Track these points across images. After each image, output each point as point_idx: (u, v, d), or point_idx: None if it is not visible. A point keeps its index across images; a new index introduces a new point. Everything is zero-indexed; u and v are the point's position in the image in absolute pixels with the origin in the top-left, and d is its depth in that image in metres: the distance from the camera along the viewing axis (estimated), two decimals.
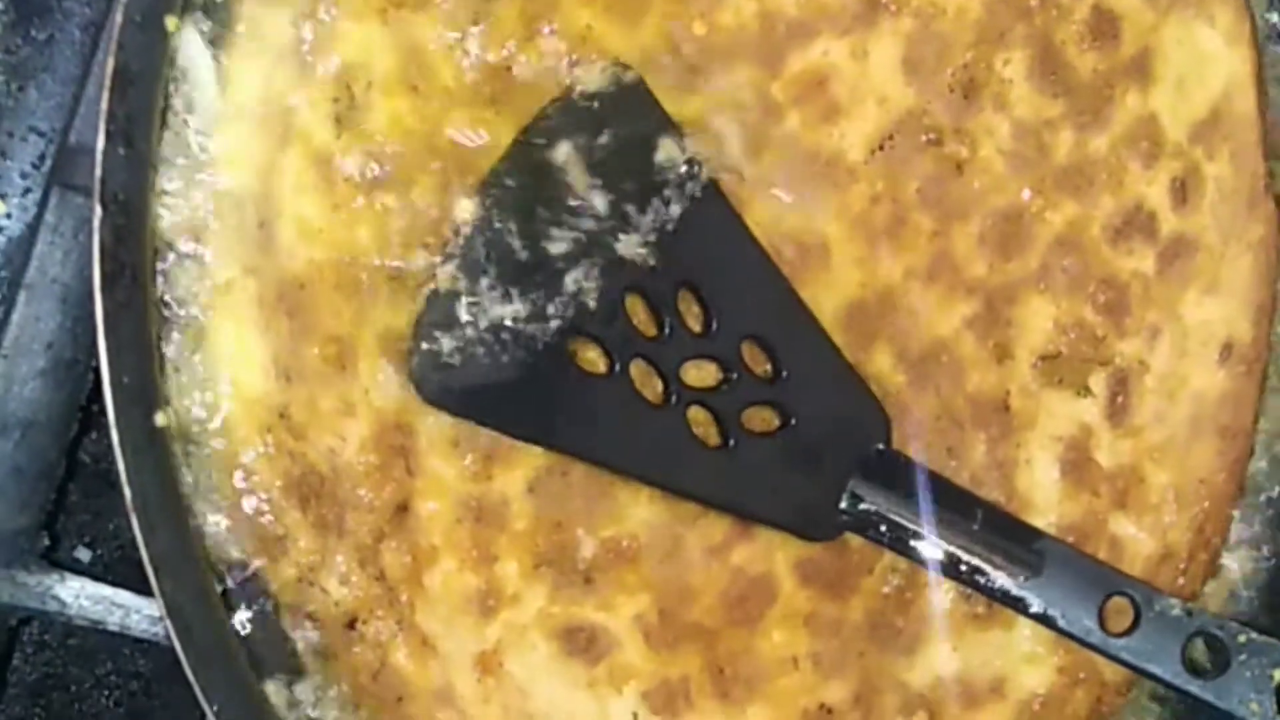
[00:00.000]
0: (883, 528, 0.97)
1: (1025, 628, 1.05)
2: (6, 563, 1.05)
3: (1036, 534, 0.98)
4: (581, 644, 0.99)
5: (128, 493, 0.85)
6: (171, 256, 0.91)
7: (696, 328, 0.94)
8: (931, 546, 0.97)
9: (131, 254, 0.88)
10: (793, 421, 0.96)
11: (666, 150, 0.94)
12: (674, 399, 0.94)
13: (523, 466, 0.95)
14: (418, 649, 0.96)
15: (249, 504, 0.93)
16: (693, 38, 0.95)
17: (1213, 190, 1.06)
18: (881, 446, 0.98)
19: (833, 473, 0.97)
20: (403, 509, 0.94)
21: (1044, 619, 0.97)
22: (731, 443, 0.95)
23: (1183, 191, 1.05)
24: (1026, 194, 1.02)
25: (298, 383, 0.92)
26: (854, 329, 0.99)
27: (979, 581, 0.97)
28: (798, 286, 0.97)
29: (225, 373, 0.92)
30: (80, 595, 1.07)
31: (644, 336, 0.94)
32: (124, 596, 1.06)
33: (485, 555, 0.96)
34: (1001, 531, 0.97)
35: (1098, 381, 1.04)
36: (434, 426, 0.94)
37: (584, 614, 0.99)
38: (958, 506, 0.97)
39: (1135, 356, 1.05)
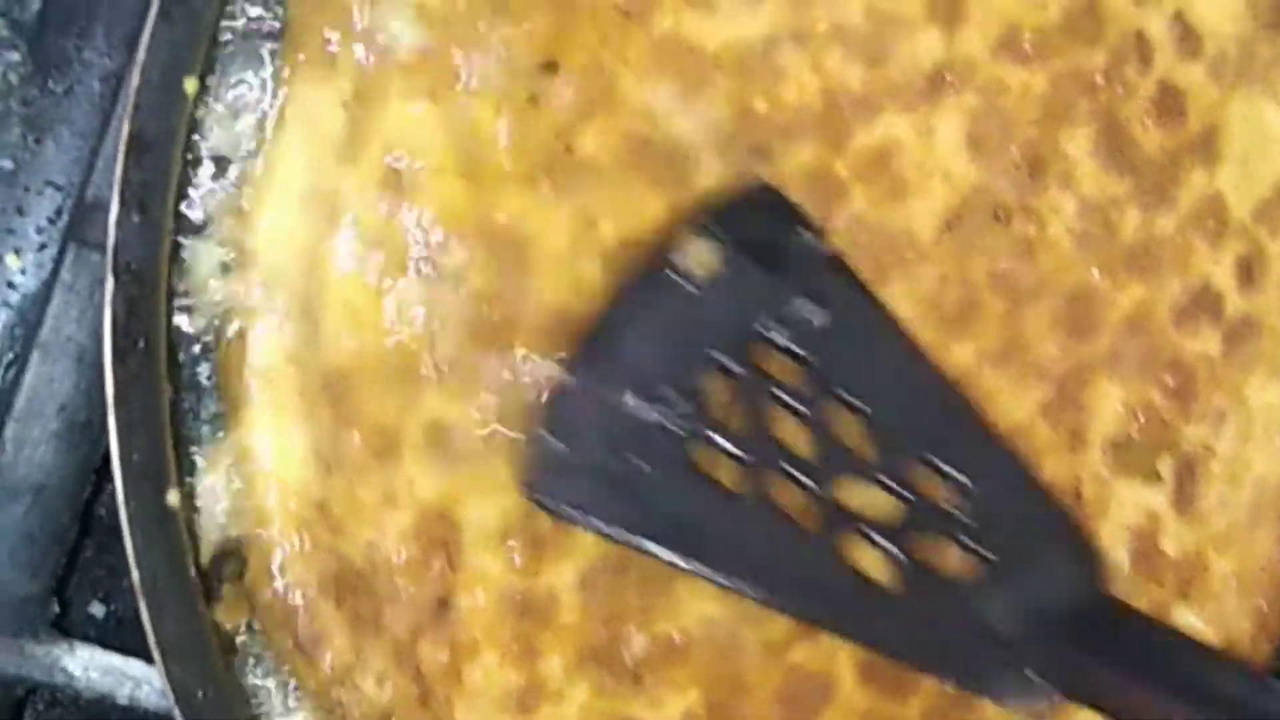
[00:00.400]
0: (1095, 688, 0.88)
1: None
2: (15, 632, 1.03)
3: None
4: None
5: (136, 575, 0.83)
6: (205, 343, 0.85)
7: (853, 443, 0.89)
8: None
9: (144, 325, 0.87)
10: (981, 557, 0.89)
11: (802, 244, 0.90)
12: (827, 525, 0.89)
13: (574, 559, 0.93)
14: None
15: (282, 602, 0.89)
16: (755, 115, 0.90)
17: (1278, 270, 1.03)
18: (1091, 593, 0.90)
19: (1031, 626, 0.89)
20: (443, 604, 0.92)
21: None
22: (903, 579, 0.89)
23: (1248, 271, 1.03)
24: (1095, 274, 1.00)
25: (338, 474, 0.89)
26: None
27: None
28: None
29: (263, 465, 0.88)
30: (89, 667, 1.05)
31: (790, 451, 0.89)
32: (135, 667, 1.04)
33: (528, 650, 0.94)
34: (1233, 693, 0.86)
35: (1165, 467, 1.03)
36: (480, 519, 0.92)
37: (630, 710, 0.97)
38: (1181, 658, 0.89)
39: (1201, 442, 1.03)
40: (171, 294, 0.89)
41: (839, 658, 0.99)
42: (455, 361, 0.90)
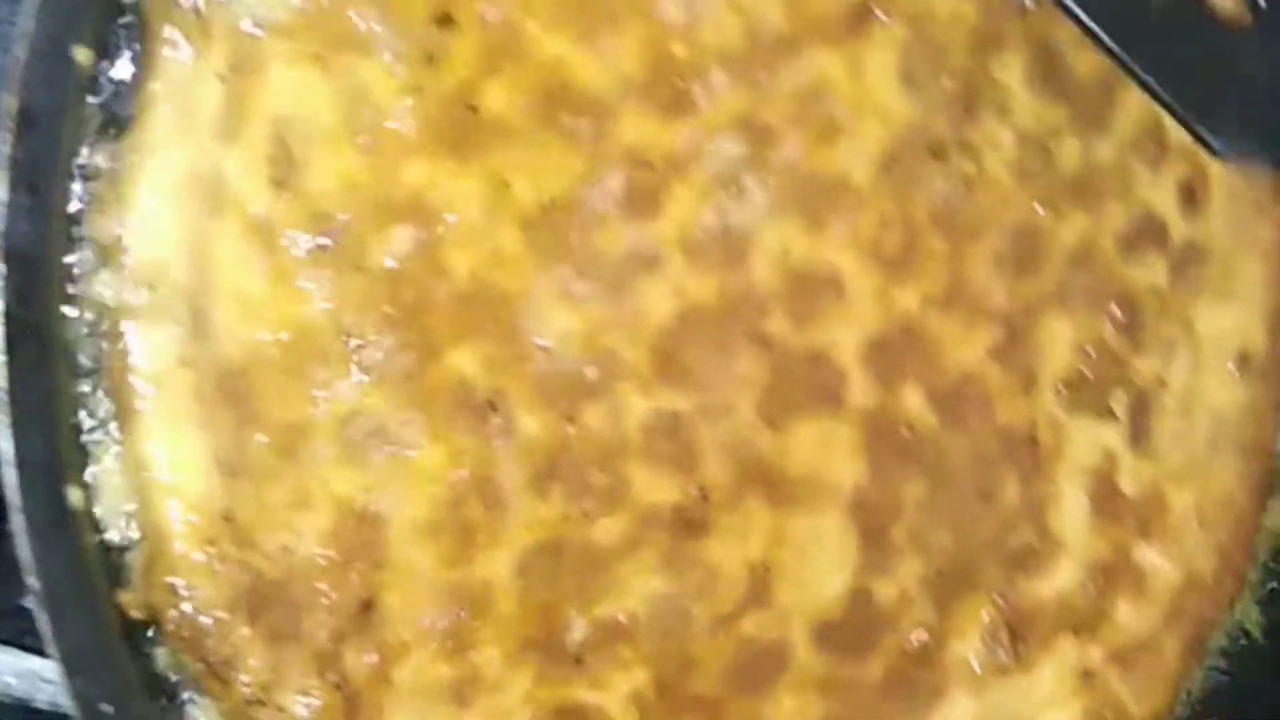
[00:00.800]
0: None
1: (1047, 668, 1.01)
2: None
3: None
4: None
5: (34, 583, 0.79)
6: (91, 353, 0.79)
7: None
8: None
9: (36, 315, 0.81)
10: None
11: None
12: None
13: (509, 547, 0.90)
14: None
15: (190, 625, 0.85)
16: (674, 62, 0.85)
17: (1220, 193, 1.03)
18: None
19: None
20: (367, 606, 0.87)
21: None
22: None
23: (1190, 195, 1.01)
24: (1037, 208, 0.97)
25: (243, 479, 0.84)
26: (879, 366, 0.95)
27: None
28: (813, 326, 0.93)
29: (160, 477, 0.83)
30: (4, 670, 1.01)
31: None
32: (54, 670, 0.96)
33: (462, 644, 0.90)
34: None
35: (1119, 403, 1.01)
36: (405, 512, 0.87)
37: (574, 694, 0.94)
38: None
39: (1153, 374, 1.02)
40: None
41: (792, 624, 0.97)
42: (366, 348, 0.84)
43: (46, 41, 0.77)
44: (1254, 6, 0.91)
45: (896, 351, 0.95)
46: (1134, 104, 0.99)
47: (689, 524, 0.92)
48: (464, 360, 0.86)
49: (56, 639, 0.80)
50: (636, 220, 0.89)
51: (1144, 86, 0.90)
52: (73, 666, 0.81)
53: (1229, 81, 0.92)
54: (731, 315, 0.91)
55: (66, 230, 0.82)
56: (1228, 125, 0.93)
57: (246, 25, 0.81)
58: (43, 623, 0.80)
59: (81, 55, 0.80)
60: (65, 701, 0.89)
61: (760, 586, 0.95)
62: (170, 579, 0.84)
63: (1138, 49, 0.90)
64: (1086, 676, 1.02)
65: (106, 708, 0.83)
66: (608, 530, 0.91)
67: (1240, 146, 0.94)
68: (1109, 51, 0.90)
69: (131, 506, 0.85)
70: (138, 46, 0.81)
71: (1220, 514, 1.05)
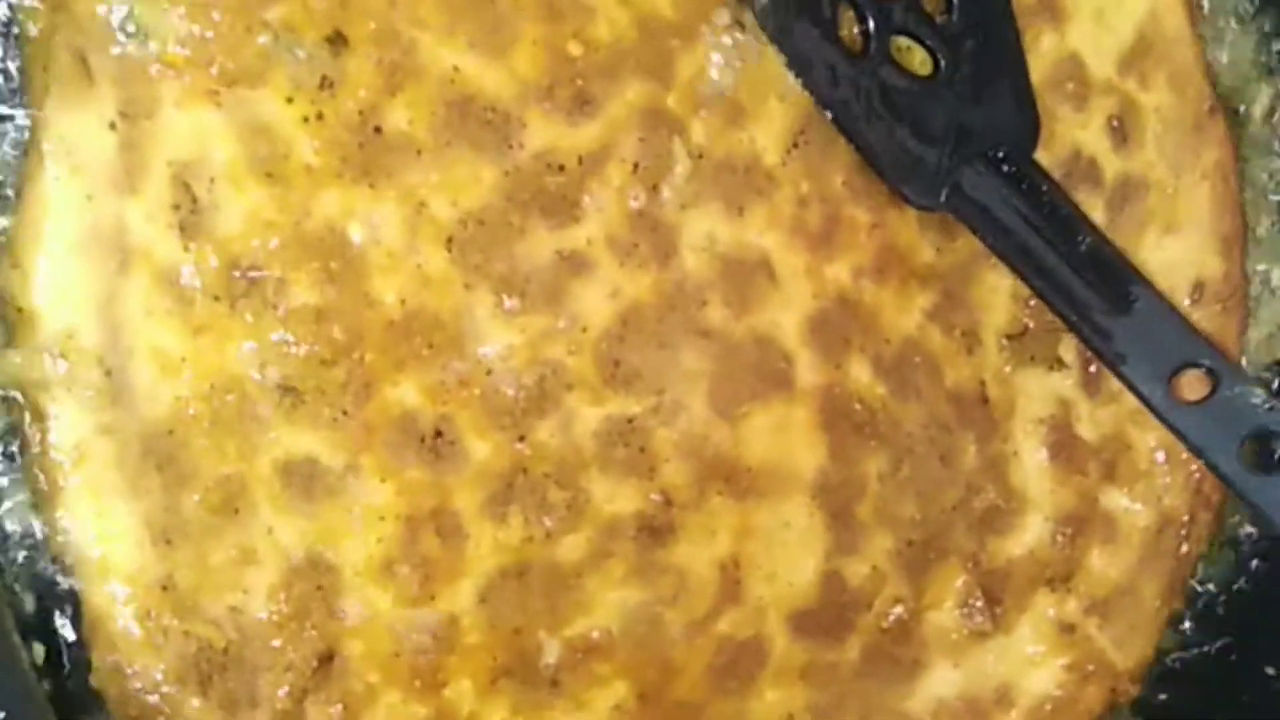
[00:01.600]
0: (984, 221, 0.94)
1: (1026, 627, 1.01)
2: None
3: (1137, 276, 0.95)
4: None
5: None
6: None
7: None
8: (1030, 254, 0.94)
9: None
10: (940, 73, 0.93)
11: None
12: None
13: (471, 576, 0.90)
14: None
15: (137, 704, 0.84)
16: (571, 61, 0.84)
17: (1154, 121, 1.04)
18: (1013, 150, 0.94)
19: (957, 145, 0.93)
20: (327, 658, 0.87)
21: (1116, 361, 0.94)
22: (872, 59, 0.92)
23: (1121, 129, 1.02)
24: None
25: (180, 544, 0.84)
26: (823, 344, 0.95)
27: (1065, 303, 0.94)
28: (752, 311, 0.93)
29: (90, 554, 0.80)
30: None
31: None
32: None
33: (432, 682, 0.90)
34: (1103, 260, 0.94)
35: (1067, 350, 1.02)
36: (357, 553, 0.85)
37: (553, 718, 0.93)
38: (1067, 227, 0.94)
39: None
40: None
41: (767, 617, 0.98)
42: (298, 391, 0.82)
43: None
44: (935, 61, 0.94)
45: (837, 326, 0.96)
46: (1048, 45, 1.00)
47: (654, 530, 0.92)
48: (404, 391, 0.86)
49: None
50: (558, 225, 0.89)
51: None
52: None
53: (918, 136, 0.94)
54: (670, 311, 0.91)
55: None
56: (919, 180, 0.94)
57: (132, 64, 0.78)
58: None
59: None
60: None
61: (732, 584, 0.95)
62: (112, 658, 0.81)
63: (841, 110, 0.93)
64: (1066, 630, 1.04)
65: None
66: (572, 547, 0.91)
67: (929, 200, 0.95)
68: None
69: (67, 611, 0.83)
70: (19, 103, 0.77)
71: None
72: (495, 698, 0.92)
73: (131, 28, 0.79)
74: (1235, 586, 1.09)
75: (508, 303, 0.87)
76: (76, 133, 0.79)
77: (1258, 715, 1.02)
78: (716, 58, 0.92)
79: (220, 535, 0.84)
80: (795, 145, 0.95)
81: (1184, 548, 1.07)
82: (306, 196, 0.83)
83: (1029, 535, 1.03)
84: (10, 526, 0.82)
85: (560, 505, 0.90)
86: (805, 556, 0.97)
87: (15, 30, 0.78)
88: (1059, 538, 1.03)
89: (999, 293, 1.01)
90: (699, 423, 0.93)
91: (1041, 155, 1.00)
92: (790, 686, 0.99)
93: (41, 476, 0.81)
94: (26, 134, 0.79)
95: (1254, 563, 1.09)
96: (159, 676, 0.83)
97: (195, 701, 0.84)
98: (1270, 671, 1.02)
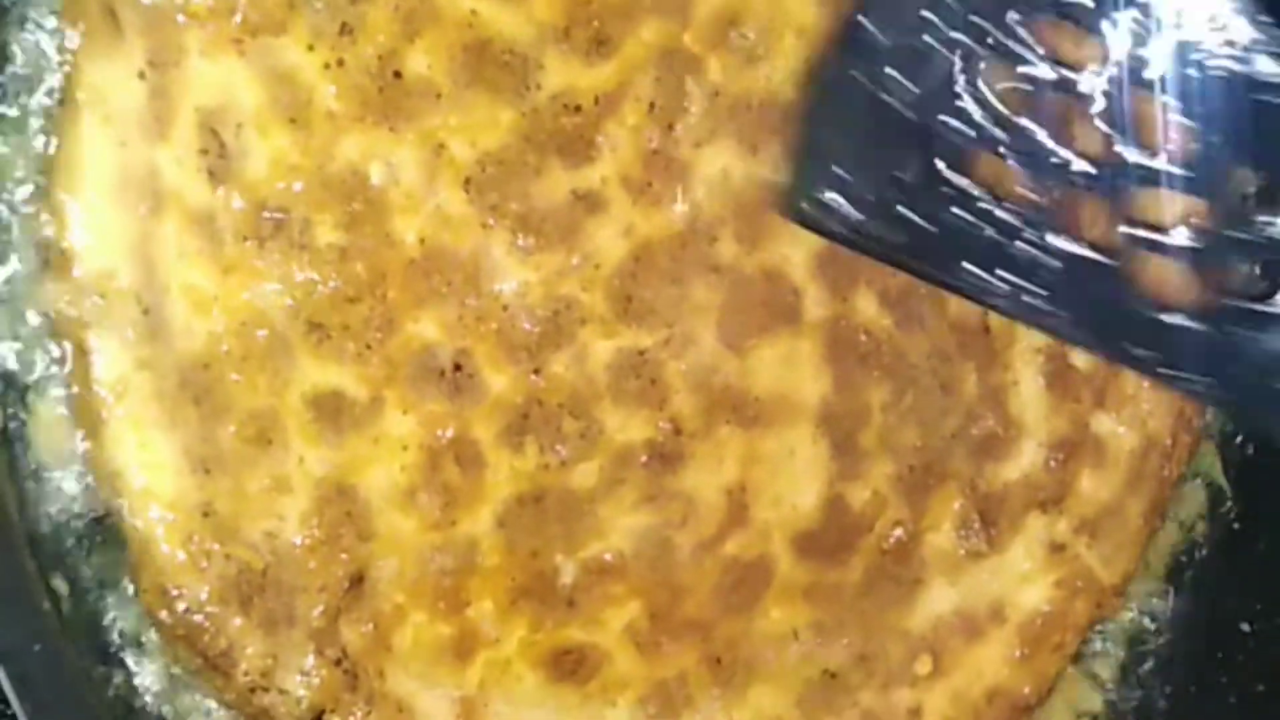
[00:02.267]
0: None
1: (1019, 547, 1.07)
2: None
3: None
4: (569, 666, 1.00)
5: None
6: (47, 364, 0.81)
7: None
8: None
9: None
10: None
11: None
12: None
13: (489, 502, 0.95)
14: (394, 717, 0.95)
15: (184, 624, 0.89)
16: (588, 2, 0.89)
17: None
18: None
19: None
20: (358, 579, 0.92)
21: None
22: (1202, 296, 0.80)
23: None
24: None
25: (218, 473, 0.88)
26: (832, 276, 0.99)
27: None
28: (762, 247, 0.97)
29: (134, 484, 0.85)
30: None
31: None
32: None
33: (456, 602, 0.95)
34: None
35: None
36: (382, 481, 0.92)
37: (570, 635, 1.00)
38: None
39: None
40: None
41: (772, 539, 1.02)
42: (324, 327, 0.86)
43: None
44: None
45: (845, 260, 0.99)
46: None
47: (664, 457, 0.97)
48: (425, 327, 0.90)
49: None
50: (574, 165, 0.92)
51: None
52: None
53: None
54: (682, 246, 0.95)
55: None
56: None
57: (158, 15, 0.81)
58: None
59: None
60: None
61: (738, 508, 1.00)
62: (159, 581, 0.87)
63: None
64: (1056, 549, 1.09)
65: (25, 652, 0.85)
66: (585, 474, 0.95)
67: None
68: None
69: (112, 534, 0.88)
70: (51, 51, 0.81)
71: None
72: (515, 617, 0.97)
73: None
74: None
75: (524, 241, 0.91)
76: (107, 83, 0.82)
77: None
78: None
79: (255, 465, 0.89)
80: (811, 81, 0.97)
81: (1166, 470, 1.12)
82: (329, 141, 0.87)
83: (1024, 460, 1.08)
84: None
85: (574, 435, 0.95)
86: (809, 482, 1.02)
87: None
88: (1052, 462, 1.08)
89: None
90: (708, 355, 0.97)
91: None
92: (794, 605, 1.04)
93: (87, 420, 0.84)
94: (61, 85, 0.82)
95: None
96: (203, 597, 0.88)
97: (237, 620, 0.89)
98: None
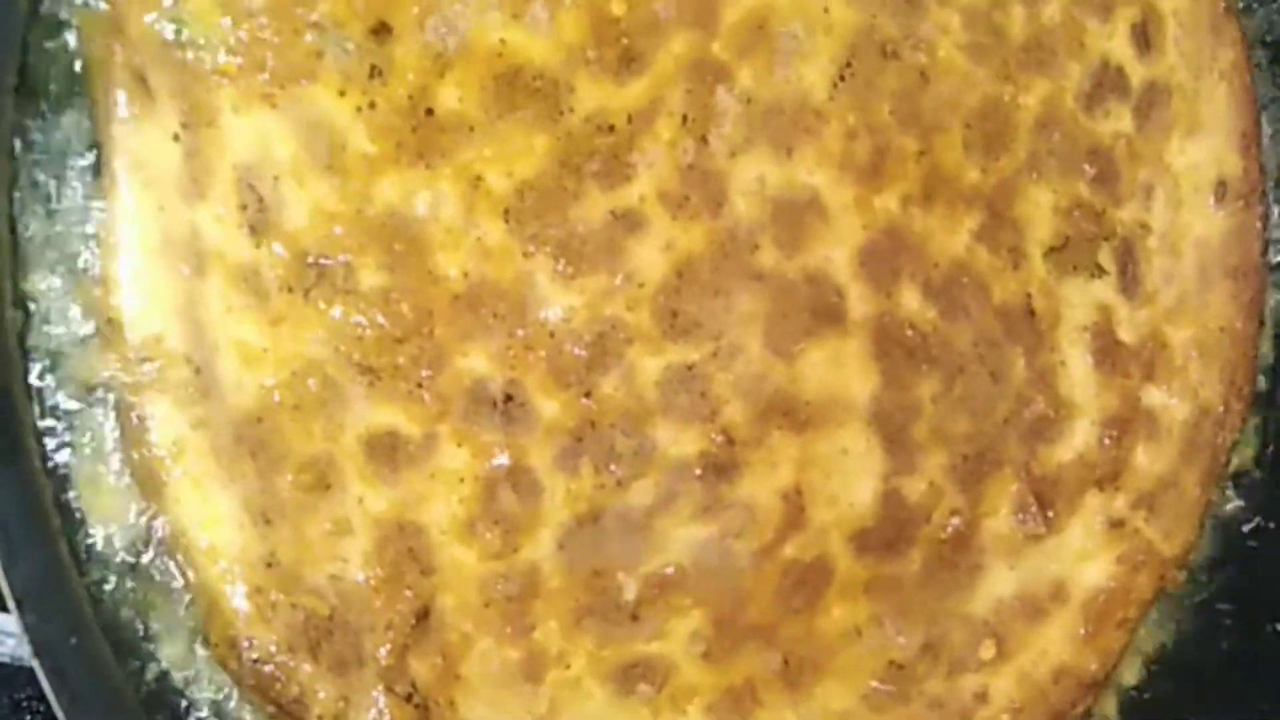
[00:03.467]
0: None
1: (1077, 526, 1.09)
2: None
3: None
4: (637, 678, 1.03)
5: None
6: (103, 431, 0.84)
7: None
8: None
9: None
10: None
11: None
12: None
13: (549, 525, 0.97)
14: None
15: (254, 674, 0.92)
16: (615, 21, 0.90)
17: (1173, 26, 1.10)
18: None
19: None
20: (424, 613, 0.95)
21: None
22: None
23: (1144, 35, 1.08)
24: (995, 84, 1.04)
25: (279, 522, 0.91)
26: (874, 273, 1.02)
27: None
28: (803, 250, 0.99)
29: (198, 541, 0.89)
30: None
31: None
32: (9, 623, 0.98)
33: (521, 626, 0.98)
34: None
35: (1106, 257, 1.09)
36: (442, 515, 0.94)
37: (636, 648, 1.03)
38: None
39: (1135, 221, 1.10)
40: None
41: (830, 539, 1.05)
42: (376, 368, 0.89)
43: None
44: None
45: (887, 256, 1.02)
46: None
47: (718, 468, 0.99)
48: (474, 360, 0.92)
49: (8, 573, 0.83)
50: (611, 185, 0.94)
51: None
52: (26, 601, 0.85)
53: None
54: (723, 257, 0.97)
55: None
56: None
57: (188, 76, 0.83)
58: None
59: None
60: (25, 653, 0.92)
61: (794, 511, 1.03)
62: (228, 634, 0.89)
63: None
64: (1115, 526, 1.12)
65: (61, 646, 0.87)
66: (642, 491, 0.98)
67: None
68: None
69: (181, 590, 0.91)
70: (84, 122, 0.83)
71: (1219, 340, 1.14)
72: (580, 635, 1.00)
73: (184, 41, 0.83)
74: None
75: (565, 266, 0.93)
76: (143, 148, 0.84)
77: None
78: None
79: (315, 510, 0.91)
80: (842, 79, 1.00)
81: (1220, 437, 1.15)
82: (366, 184, 0.89)
83: (1078, 440, 1.10)
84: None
85: (628, 453, 0.98)
86: (864, 479, 1.04)
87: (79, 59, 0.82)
88: (1105, 440, 1.11)
89: (1041, 206, 1.07)
90: (756, 363, 0.99)
91: (1074, 67, 1.05)
92: (855, 601, 1.07)
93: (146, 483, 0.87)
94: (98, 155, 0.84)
95: None
96: (272, 648, 0.91)
97: (307, 667, 0.92)
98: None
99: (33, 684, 0.86)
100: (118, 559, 0.90)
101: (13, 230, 0.84)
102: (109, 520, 0.88)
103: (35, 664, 0.84)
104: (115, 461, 0.88)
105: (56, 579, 0.88)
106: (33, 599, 0.84)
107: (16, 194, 0.84)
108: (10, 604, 0.83)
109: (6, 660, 1.03)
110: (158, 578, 0.90)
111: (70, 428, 0.87)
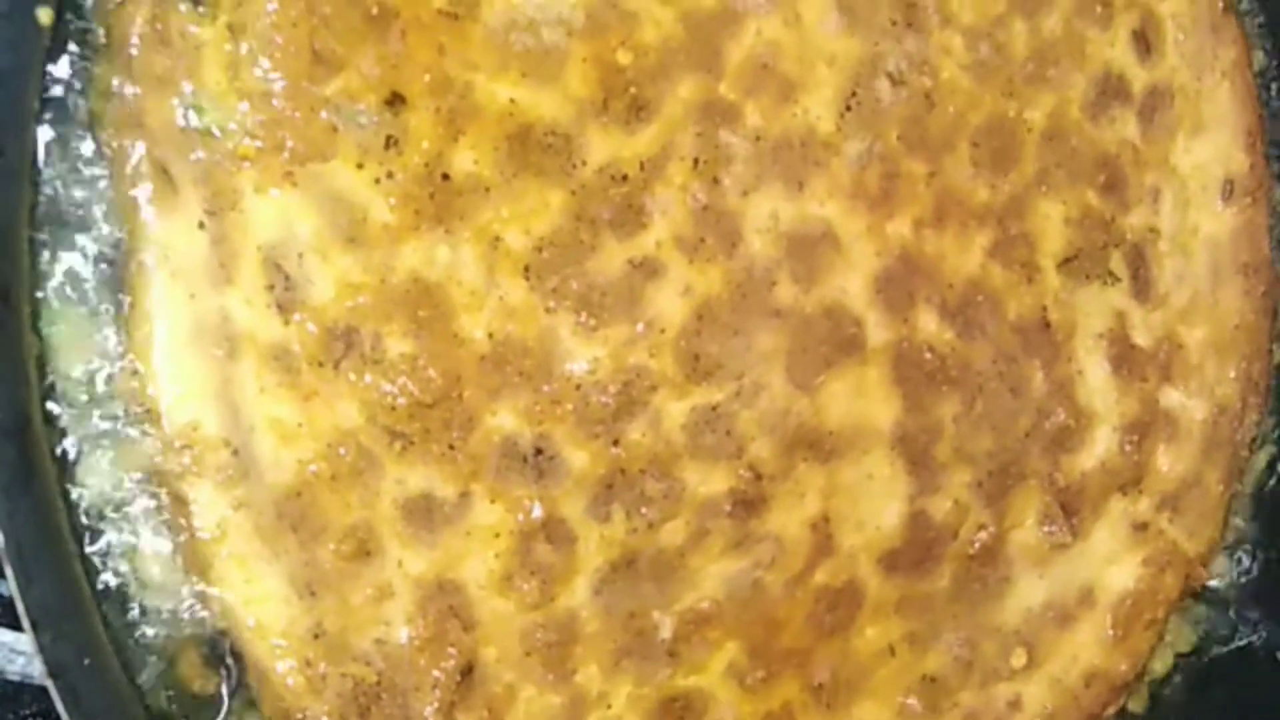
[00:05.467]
0: None
1: (1103, 531, 1.16)
2: None
3: None
4: (678, 712, 1.09)
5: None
6: (147, 519, 0.90)
7: None
8: None
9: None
10: None
11: None
12: None
13: (584, 572, 1.04)
14: None
15: None
16: (622, 71, 0.95)
17: (1172, 28, 1.17)
18: None
19: None
20: (468, 669, 1.01)
21: None
22: None
23: (1144, 40, 1.14)
24: (1000, 100, 1.09)
25: (323, 593, 0.97)
26: (890, 300, 1.08)
27: None
28: (819, 283, 1.06)
29: (246, 619, 0.95)
30: None
31: None
32: (23, 641, 1.05)
33: (563, 672, 1.05)
34: None
35: (1118, 263, 1.16)
36: (479, 570, 0.99)
37: (675, 684, 1.09)
38: None
39: (1145, 225, 1.17)
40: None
41: (859, 563, 1.12)
42: (407, 433, 0.94)
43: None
44: None
45: (901, 281, 1.09)
46: None
47: (747, 503, 1.06)
48: (503, 418, 0.98)
49: (24, 595, 0.88)
50: (627, 235, 1.00)
51: None
52: (41, 623, 0.89)
53: None
54: (741, 297, 1.03)
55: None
56: None
57: (209, 164, 0.88)
58: (9, 581, 0.88)
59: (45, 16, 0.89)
60: (36, 671, 0.98)
61: (823, 539, 1.10)
62: (281, 707, 0.96)
63: None
64: (1140, 529, 1.19)
65: (76, 668, 0.92)
66: (673, 532, 1.05)
67: None
68: None
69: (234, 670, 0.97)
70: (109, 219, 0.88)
71: (1234, 337, 1.21)
72: (620, 676, 1.06)
73: (204, 127, 0.88)
74: None
75: (587, 319, 0.99)
76: (169, 239, 0.90)
77: None
78: (762, 33, 1.02)
79: (357, 577, 0.97)
80: (848, 108, 1.06)
81: (1239, 434, 1.22)
82: (388, 253, 0.94)
83: (1099, 447, 1.17)
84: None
85: (658, 496, 1.04)
86: (890, 502, 1.11)
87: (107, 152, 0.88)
88: (1127, 445, 1.18)
89: (1052, 218, 1.14)
90: (779, 398, 1.06)
91: (1077, 78, 1.12)
92: (888, 621, 1.14)
93: (195, 567, 0.93)
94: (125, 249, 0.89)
95: None
96: (324, 718, 0.96)
97: None
98: None
99: (37, 701, 0.91)
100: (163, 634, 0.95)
101: (35, 324, 0.89)
102: (160, 597, 0.93)
103: (50, 684, 0.88)
104: (164, 545, 0.93)
105: (72, 600, 0.93)
106: (48, 621, 0.89)
107: (39, 293, 0.90)
108: (25, 625, 0.88)
109: (16, 678, 1.09)
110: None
111: (113, 519, 0.92)
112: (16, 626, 0.95)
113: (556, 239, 0.98)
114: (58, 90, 0.89)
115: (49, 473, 0.91)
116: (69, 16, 0.89)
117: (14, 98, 0.88)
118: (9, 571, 0.87)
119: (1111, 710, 1.23)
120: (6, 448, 0.88)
